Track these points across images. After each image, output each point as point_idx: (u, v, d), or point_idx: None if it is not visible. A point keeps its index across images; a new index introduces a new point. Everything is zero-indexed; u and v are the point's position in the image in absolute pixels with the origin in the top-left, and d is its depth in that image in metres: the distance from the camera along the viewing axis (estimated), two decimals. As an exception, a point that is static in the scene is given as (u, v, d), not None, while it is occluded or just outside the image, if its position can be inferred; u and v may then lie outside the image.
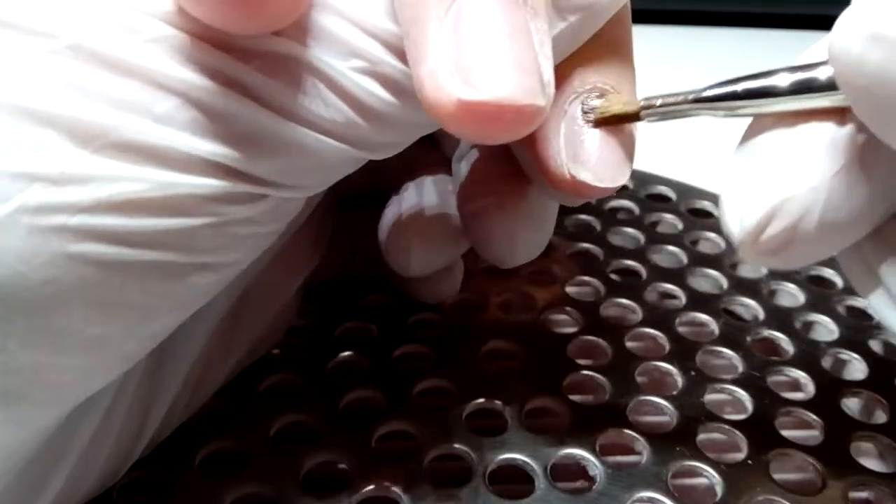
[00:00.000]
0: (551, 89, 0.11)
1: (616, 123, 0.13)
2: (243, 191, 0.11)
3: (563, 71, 0.13)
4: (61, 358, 0.11)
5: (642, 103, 0.12)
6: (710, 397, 0.17)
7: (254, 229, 0.12)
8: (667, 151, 0.27)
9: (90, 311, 0.11)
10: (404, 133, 0.12)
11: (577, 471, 0.16)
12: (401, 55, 0.11)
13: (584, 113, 0.13)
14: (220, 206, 0.11)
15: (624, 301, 0.21)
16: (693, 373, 0.18)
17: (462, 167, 0.16)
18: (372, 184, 0.19)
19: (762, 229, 0.11)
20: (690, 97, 0.12)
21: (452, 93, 0.10)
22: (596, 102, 0.13)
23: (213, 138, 0.11)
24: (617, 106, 0.12)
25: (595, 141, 0.12)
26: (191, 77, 0.10)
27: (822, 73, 0.11)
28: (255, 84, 0.11)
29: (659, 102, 0.12)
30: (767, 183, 0.11)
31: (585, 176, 0.12)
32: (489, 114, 0.10)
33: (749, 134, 0.12)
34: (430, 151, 0.18)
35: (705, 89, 0.12)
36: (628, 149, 0.13)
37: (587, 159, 0.12)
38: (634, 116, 0.12)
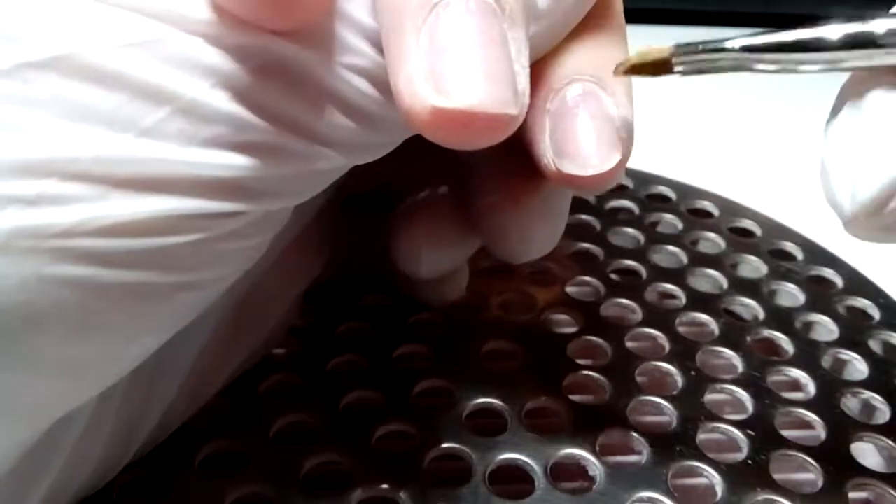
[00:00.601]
0: (526, 98, 0.11)
1: (643, 74, 0.12)
2: (229, 204, 0.11)
3: (541, 65, 0.13)
4: (37, 380, 0.11)
5: (673, 50, 0.11)
6: (710, 397, 0.17)
7: (239, 243, 0.12)
8: (667, 151, 0.27)
9: (67, 333, 0.10)
10: (392, 133, 0.12)
11: (577, 471, 0.16)
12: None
13: (616, 66, 0.12)
14: (204, 222, 0.11)
15: (624, 301, 0.21)
16: (693, 373, 0.18)
17: (476, 163, 0.16)
18: (374, 184, 0.19)
19: (883, 203, 0.10)
20: (737, 46, 0.11)
21: (427, 100, 0.10)
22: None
23: (200, 148, 0.10)
24: (642, 56, 0.12)
25: (578, 131, 0.12)
26: (181, 83, 0.10)
27: (878, 27, 0.10)
28: (250, 89, 0.10)
29: (699, 48, 0.11)
30: (891, 148, 0.10)
31: (570, 167, 0.12)
32: (461, 121, 0.10)
33: (855, 88, 0.11)
34: (440, 153, 0.19)
35: (751, 36, 0.11)
36: (609, 133, 0.12)
37: (571, 151, 0.12)
38: (663, 67, 0.11)
